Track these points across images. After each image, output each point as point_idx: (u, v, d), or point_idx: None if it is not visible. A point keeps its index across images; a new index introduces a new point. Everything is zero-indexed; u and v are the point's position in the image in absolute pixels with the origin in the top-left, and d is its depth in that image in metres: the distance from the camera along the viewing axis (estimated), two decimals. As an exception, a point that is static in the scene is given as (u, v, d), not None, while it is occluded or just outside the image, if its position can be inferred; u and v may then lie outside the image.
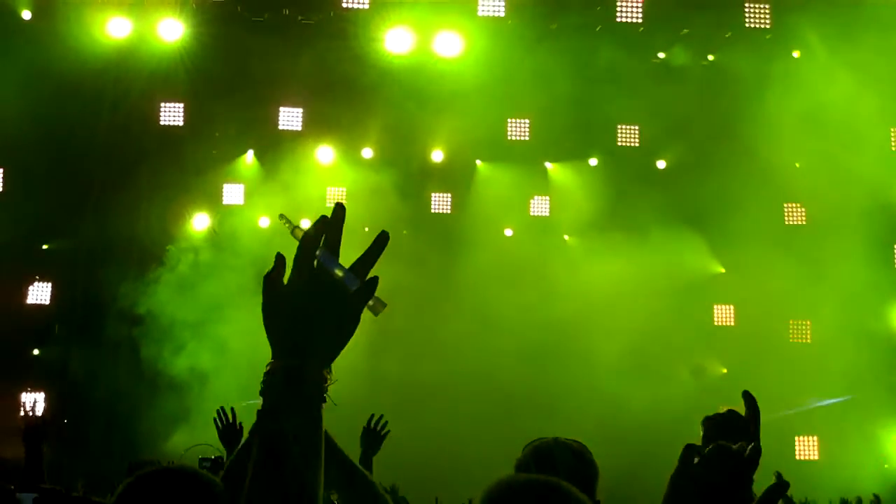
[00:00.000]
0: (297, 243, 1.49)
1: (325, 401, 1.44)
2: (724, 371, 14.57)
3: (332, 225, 1.47)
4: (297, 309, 1.45)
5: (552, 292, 13.67)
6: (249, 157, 14.75)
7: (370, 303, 1.47)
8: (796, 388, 13.67)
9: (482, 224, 14.64)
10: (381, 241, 1.48)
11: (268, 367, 1.45)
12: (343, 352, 1.47)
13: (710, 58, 14.19)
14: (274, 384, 1.43)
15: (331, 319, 1.45)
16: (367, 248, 1.47)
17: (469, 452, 11.61)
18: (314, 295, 1.45)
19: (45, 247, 14.12)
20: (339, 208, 1.48)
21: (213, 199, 14.30)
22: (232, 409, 4.82)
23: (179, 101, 14.17)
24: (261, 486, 1.39)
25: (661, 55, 14.23)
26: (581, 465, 3.15)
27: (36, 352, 13.94)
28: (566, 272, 13.90)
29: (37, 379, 13.53)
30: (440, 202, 15.15)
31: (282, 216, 1.63)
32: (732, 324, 14.49)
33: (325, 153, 14.67)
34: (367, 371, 11.79)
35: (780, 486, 1.79)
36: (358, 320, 1.47)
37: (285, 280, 1.48)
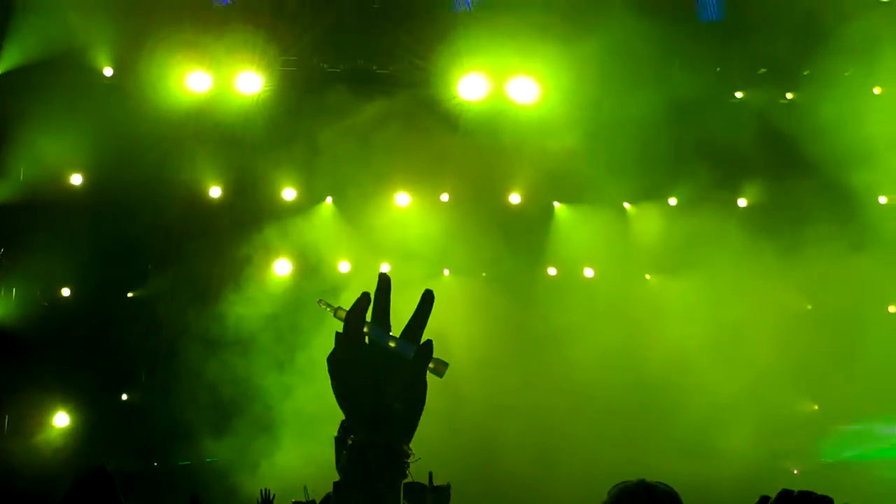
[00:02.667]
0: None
1: (406, 476, 1.44)
2: (816, 408, 14.31)
3: (378, 296, 1.46)
4: (369, 384, 1.44)
5: (635, 333, 13.55)
6: (328, 203, 14.95)
7: (431, 365, 1.46)
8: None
9: (562, 265, 14.60)
10: (427, 300, 1.47)
11: (350, 442, 1.44)
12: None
13: (789, 96, 14.16)
14: (360, 459, 1.42)
15: (401, 391, 1.43)
16: (414, 310, 1.46)
17: None
18: (378, 368, 1.43)
19: (130, 294, 14.36)
20: (384, 279, 1.47)
21: (294, 246, 14.45)
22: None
23: (256, 150, 14.40)
24: None
25: (739, 94, 14.24)
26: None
27: (125, 397, 14.11)
28: (649, 312, 13.79)
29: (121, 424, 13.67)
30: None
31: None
32: (823, 361, 14.20)
33: (402, 198, 14.82)
34: (445, 416, 11.67)
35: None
36: (425, 386, 1.46)
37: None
